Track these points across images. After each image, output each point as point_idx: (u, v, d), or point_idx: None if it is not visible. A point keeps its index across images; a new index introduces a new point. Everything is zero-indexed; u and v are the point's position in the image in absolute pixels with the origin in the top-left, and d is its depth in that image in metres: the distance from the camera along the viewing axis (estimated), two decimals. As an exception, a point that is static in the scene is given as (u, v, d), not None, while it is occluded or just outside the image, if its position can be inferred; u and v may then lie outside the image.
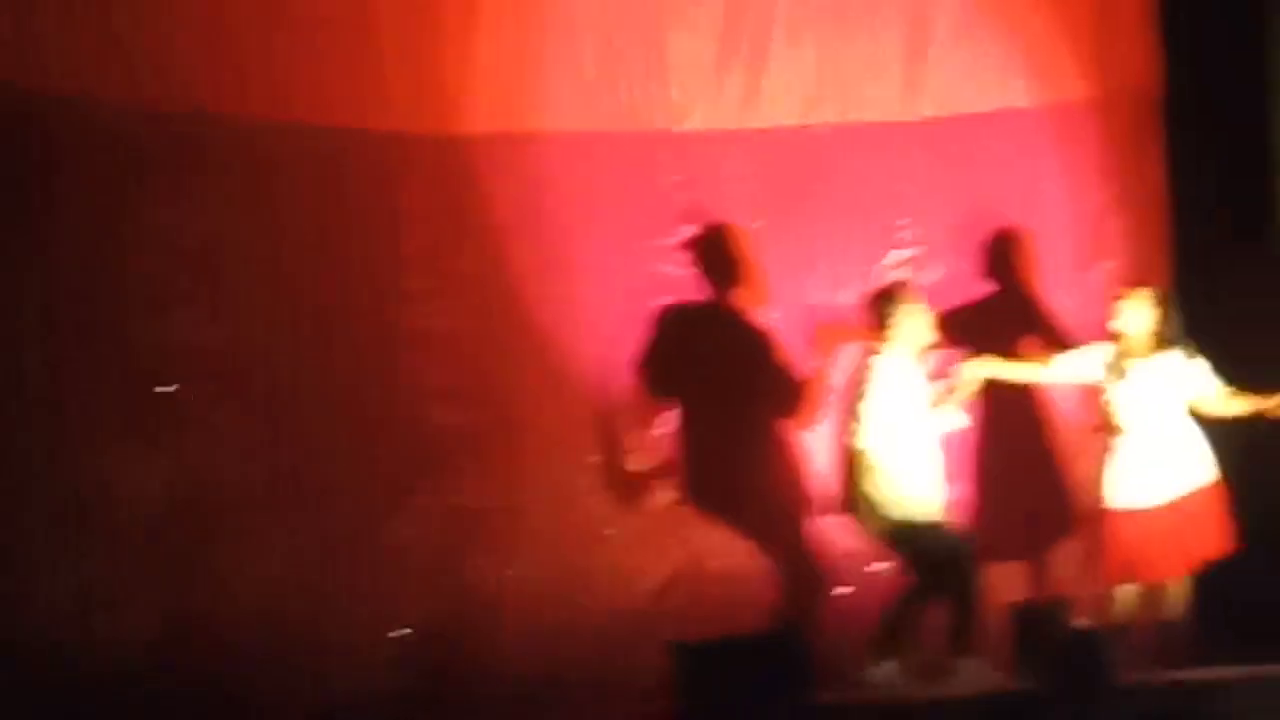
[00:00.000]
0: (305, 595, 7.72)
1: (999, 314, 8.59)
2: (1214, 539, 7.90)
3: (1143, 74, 8.76)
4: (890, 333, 7.76)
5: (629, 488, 8.27)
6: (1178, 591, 7.97)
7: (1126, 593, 7.96)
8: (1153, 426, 7.89)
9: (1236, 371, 7.98)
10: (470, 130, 8.21)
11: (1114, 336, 7.96)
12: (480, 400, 8.16)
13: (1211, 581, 7.96)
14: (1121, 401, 7.92)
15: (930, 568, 7.64)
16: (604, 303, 8.31)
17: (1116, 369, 7.93)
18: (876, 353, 7.74)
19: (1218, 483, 7.92)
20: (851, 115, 8.65)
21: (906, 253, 8.59)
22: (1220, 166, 8.51)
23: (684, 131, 8.49)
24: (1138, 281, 8.24)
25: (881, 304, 7.82)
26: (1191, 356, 7.91)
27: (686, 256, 8.41)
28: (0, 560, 7.12)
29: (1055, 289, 8.68)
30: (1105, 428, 7.99)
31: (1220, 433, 7.96)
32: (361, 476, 7.92)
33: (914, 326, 7.78)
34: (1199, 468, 7.92)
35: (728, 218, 8.41)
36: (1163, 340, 7.92)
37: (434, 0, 8.17)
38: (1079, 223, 8.77)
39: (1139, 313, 7.93)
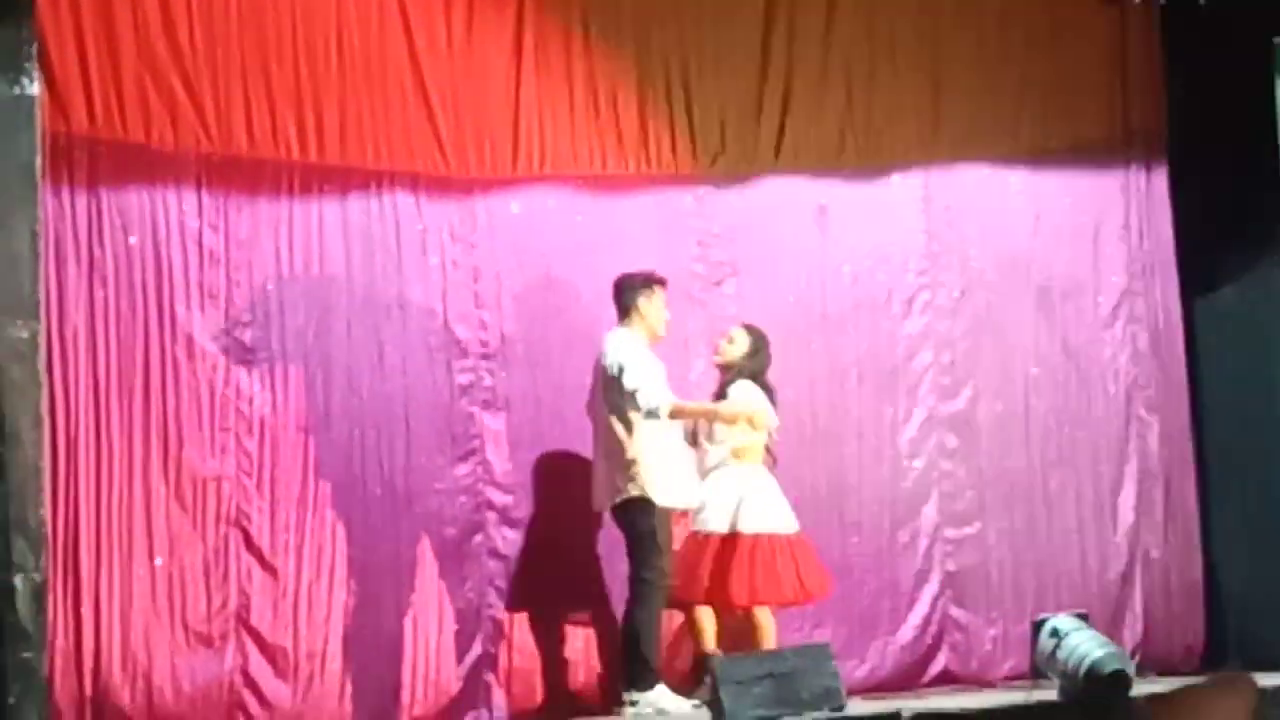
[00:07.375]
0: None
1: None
2: (778, 585, 8.01)
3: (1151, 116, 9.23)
4: (634, 317, 8.01)
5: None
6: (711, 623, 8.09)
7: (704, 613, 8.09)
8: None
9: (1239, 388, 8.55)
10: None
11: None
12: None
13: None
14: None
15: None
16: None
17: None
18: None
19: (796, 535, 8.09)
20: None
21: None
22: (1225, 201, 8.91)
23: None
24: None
25: (631, 289, 8.05)
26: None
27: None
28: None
29: (1068, 319, 9.11)
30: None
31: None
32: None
33: (654, 313, 8.03)
34: (775, 514, 8.10)
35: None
36: (742, 373, 8.18)
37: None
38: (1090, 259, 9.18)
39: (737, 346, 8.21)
